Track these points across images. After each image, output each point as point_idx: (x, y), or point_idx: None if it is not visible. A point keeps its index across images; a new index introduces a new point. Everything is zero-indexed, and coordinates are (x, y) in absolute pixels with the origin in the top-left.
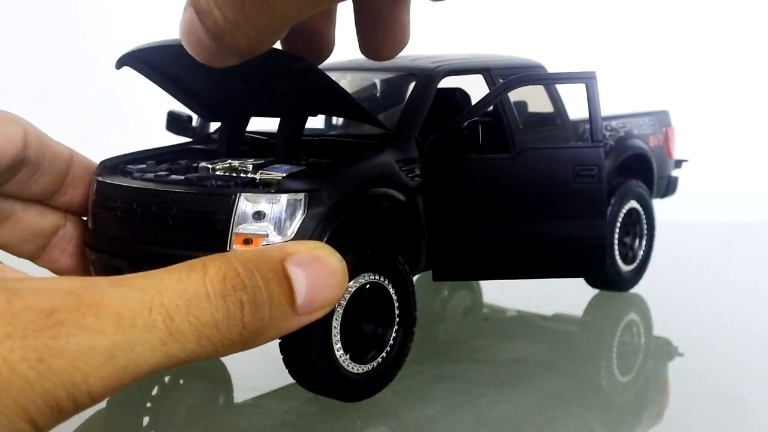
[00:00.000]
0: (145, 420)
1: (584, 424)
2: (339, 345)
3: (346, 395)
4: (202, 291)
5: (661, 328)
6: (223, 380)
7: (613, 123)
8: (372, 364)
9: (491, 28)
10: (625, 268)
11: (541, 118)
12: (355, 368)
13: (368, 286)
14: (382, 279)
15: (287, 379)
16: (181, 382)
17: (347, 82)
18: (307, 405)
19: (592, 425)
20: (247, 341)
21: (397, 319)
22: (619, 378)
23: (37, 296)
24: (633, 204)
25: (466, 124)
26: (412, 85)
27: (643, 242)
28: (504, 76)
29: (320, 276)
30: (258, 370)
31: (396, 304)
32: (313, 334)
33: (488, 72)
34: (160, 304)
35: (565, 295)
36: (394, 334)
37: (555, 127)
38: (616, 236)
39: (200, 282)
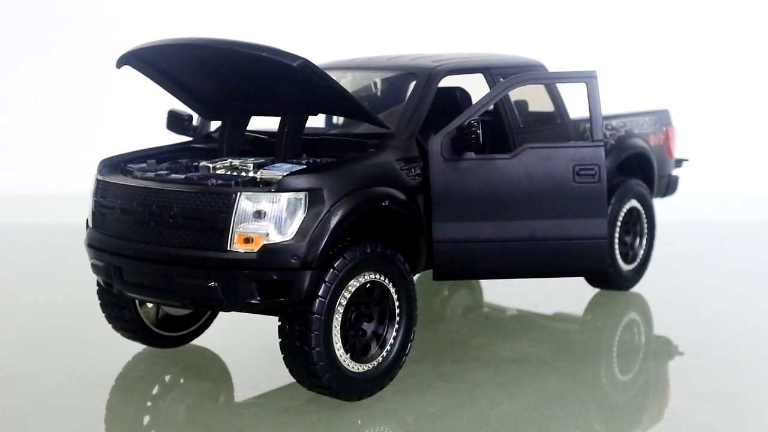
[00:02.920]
0: (146, 419)
1: (584, 423)
2: (339, 344)
3: (347, 394)
4: None
5: (661, 328)
6: (223, 379)
7: (614, 122)
8: (372, 363)
9: (491, 27)
10: (625, 267)
11: (541, 117)
12: (356, 367)
13: (368, 284)
14: (382, 278)
15: (287, 378)
16: (182, 381)
17: (347, 81)
18: (308, 404)
19: (593, 424)
20: None
21: (398, 318)
22: (619, 377)
23: None
24: (633, 203)
25: (466, 123)
26: (412, 84)
27: (644, 241)
28: (504, 76)
29: None
30: (258, 369)
31: (396, 303)
32: (313, 333)
33: (489, 71)
34: None
35: (566, 295)
36: (394, 333)
37: (555, 126)
38: (617, 235)
39: None
